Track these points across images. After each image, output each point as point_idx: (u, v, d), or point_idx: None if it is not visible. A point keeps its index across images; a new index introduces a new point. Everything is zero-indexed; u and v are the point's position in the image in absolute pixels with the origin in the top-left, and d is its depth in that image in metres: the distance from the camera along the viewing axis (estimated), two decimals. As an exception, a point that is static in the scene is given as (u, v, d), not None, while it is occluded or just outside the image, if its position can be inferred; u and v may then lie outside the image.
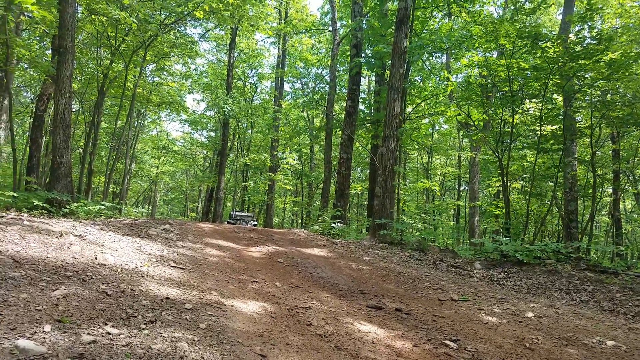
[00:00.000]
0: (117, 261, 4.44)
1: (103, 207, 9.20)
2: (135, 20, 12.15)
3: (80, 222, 6.51)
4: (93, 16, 13.18)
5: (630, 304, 6.03)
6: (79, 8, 13.23)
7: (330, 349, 3.16)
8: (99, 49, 16.73)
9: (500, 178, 12.92)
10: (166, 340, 2.70)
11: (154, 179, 34.64)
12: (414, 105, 18.97)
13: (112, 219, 7.97)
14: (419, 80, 18.31)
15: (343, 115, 18.58)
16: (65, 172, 9.48)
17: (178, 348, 2.61)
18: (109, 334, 2.62)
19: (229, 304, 3.82)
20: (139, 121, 26.16)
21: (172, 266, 4.81)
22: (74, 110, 17.76)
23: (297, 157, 30.31)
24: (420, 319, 4.33)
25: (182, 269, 4.81)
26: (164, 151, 33.25)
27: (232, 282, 4.72)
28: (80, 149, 20.97)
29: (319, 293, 4.92)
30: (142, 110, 24.78)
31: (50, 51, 15.02)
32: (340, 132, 18.46)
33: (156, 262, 4.86)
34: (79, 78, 17.93)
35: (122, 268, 4.24)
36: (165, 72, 21.12)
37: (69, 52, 9.69)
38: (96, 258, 4.33)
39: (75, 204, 8.70)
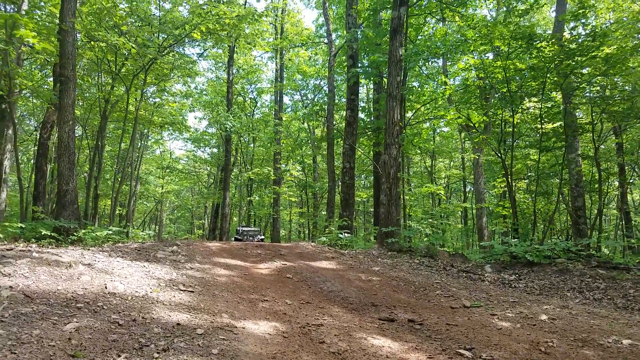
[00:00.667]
0: (126, 289, 4.46)
1: (110, 232, 9.24)
2: (134, 45, 12.31)
3: (89, 249, 6.55)
4: (92, 43, 13.35)
5: (645, 300, 5.97)
6: (78, 36, 13.43)
7: (344, 366, 3.15)
8: (99, 75, 16.93)
9: (504, 178, 12.89)
10: (180, 368, 2.71)
11: (160, 198, 34.76)
12: (414, 111, 19.01)
13: (119, 244, 8.00)
14: (417, 86, 18.36)
15: (343, 125, 18.65)
16: (71, 199, 9.55)
17: (192, 376, 2.61)
18: (123, 365, 2.63)
19: (240, 325, 3.82)
20: (142, 142, 26.36)
21: (181, 290, 4.82)
22: (77, 135, 17.93)
23: (301, 169, 30.37)
24: (434, 328, 4.30)
25: (192, 292, 4.82)
26: (168, 170, 33.41)
27: (242, 303, 4.72)
28: (85, 174, 21.12)
29: (330, 308, 4.91)
30: (145, 132, 24.98)
31: (51, 79, 15.22)
32: (341, 141, 18.51)
33: (165, 286, 4.87)
34: (81, 104, 18.13)
35: (132, 296, 4.26)
36: (166, 93, 21.31)
37: (71, 80, 9.82)
38: (106, 287, 4.35)
39: (83, 231, 8.75)
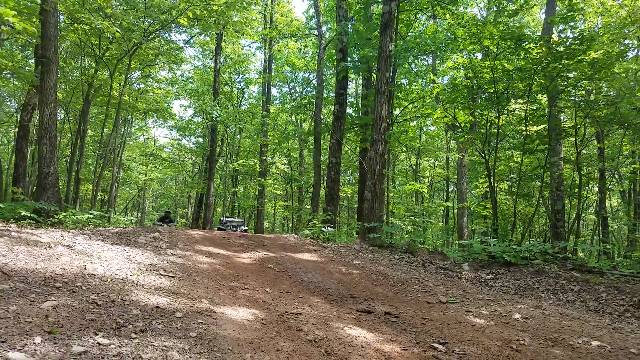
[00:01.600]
0: (106, 271, 4.43)
1: (91, 216, 9.14)
2: (118, 29, 12.10)
3: (69, 231, 6.47)
4: (76, 25, 13.09)
5: (615, 303, 6.14)
6: (61, 17, 13.14)
7: (320, 354, 3.20)
8: (83, 58, 16.61)
9: (487, 179, 13.08)
10: (157, 350, 2.72)
11: (142, 185, 34.38)
12: (401, 108, 19.11)
13: (100, 228, 7.92)
14: (406, 83, 18.45)
15: (331, 120, 18.65)
16: (52, 181, 9.40)
17: (169, 357, 2.63)
18: (100, 344, 2.63)
19: (220, 311, 3.83)
20: (126, 128, 25.99)
21: (162, 275, 4.81)
22: (59, 119, 17.63)
23: (287, 162, 30.31)
24: (409, 322, 4.37)
25: (172, 277, 4.81)
26: (151, 158, 33.02)
27: (222, 289, 4.73)
28: (67, 158, 20.78)
29: (309, 298, 4.95)
30: (129, 118, 24.62)
31: (33, 60, 14.89)
32: (329, 136, 18.53)
33: (146, 270, 4.85)
34: (63, 87, 17.79)
35: (111, 278, 4.24)
36: (150, 79, 21.01)
37: (53, 62, 9.64)
38: (85, 268, 4.32)
39: (64, 214, 8.63)
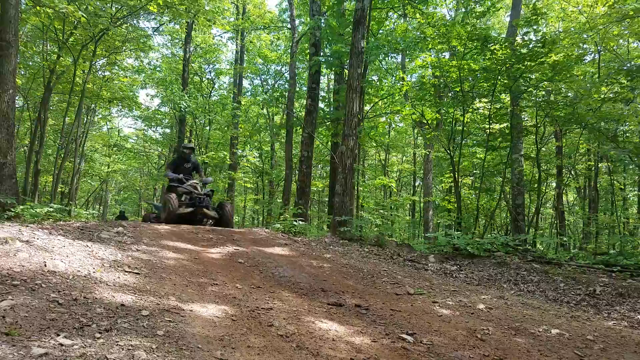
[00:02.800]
0: (68, 268, 4.28)
1: (51, 209, 8.79)
2: (84, 14, 11.63)
3: (27, 226, 6.21)
4: (38, 8, 12.50)
5: (572, 293, 6.46)
6: (22, -1, 12.54)
7: (292, 349, 3.20)
8: (45, 43, 15.90)
9: (452, 174, 13.40)
10: (122, 349, 2.65)
11: (105, 177, 33.35)
12: (372, 104, 19.27)
13: (61, 222, 7.64)
14: (376, 80, 18.60)
15: (303, 114, 18.60)
16: (9, 172, 8.99)
17: (135, 356, 2.57)
18: (62, 345, 2.55)
19: (188, 308, 3.78)
20: (89, 118, 25.10)
21: (126, 271, 4.68)
22: (18, 106, 16.83)
23: (258, 155, 30.05)
24: (379, 313, 4.44)
25: (138, 273, 4.70)
26: (115, 149, 32.06)
27: (190, 286, 4.66)
28: (25, 147, 19.91)
29: (280, 293, 4.95)
30: (92, 106, 23.79)
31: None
32: (300, 129, 18.48)
33: (110, 267, 4.72)
34: (23, 73, 16.99)
35: (73, 275, 4.10)
36: (116, 67, 20.35)
37: (12, 46, 9.17)
38: (45, 265, 4.16)
39: (21, 207, 8.28)
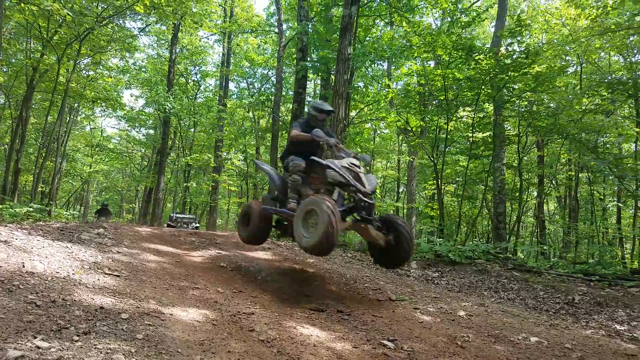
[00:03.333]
0: (47, 269, 4.21)
1: (31, 209, 8.63)
2: (69, 12, 11.47)
3: (6, 226, 6.09)
4: (22, 5, 12.30)
5: (552, 301, 6.54)
6: (6, -4, 12.29)
7: (273, 354, 3.20)
8: (28, 40, 15.63)
9: (435, 181, 13.55)
10: (101, 353, 2.62)
11: (87, 178, 32.83)
12: (357, 110, 19.39)
13: (41, 222, 7.50)
14: (362, 86, 18.73)
15: (289, 118, 18.61)
16: (-13, 171, 8.80)
17: (114, 360, 2.54)
18: (39, 347, 2.50)
19: (168, 312, 3.74)
20: (72, 117, 24.72)
21: (106, 273, 4.62)
22: (-1, 104, 16.51)
23: (243, 158, 29.92)
24: (361, 319, 4.46)
25: (118, 276, 4.64)
26: (97, 149, 31.60)
27: (171, 289, 4.62)
28: (6, 146, 19.50)
29: (262, 297, 4.94)
30: (75, 106, 23.44)
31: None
32: (286, 133, 18.48)
33: (89, 269, 4.65)
34: (5, 70, 16.68)
35: (52, 276, 4.03)
36: (101, 67, 20.12)
37: (-6, 42, 9.01)
38: (24, 266, 4.08)
39: (0, 206, 8.11)
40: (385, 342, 3.79)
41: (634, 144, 17.62)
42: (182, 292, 4.59)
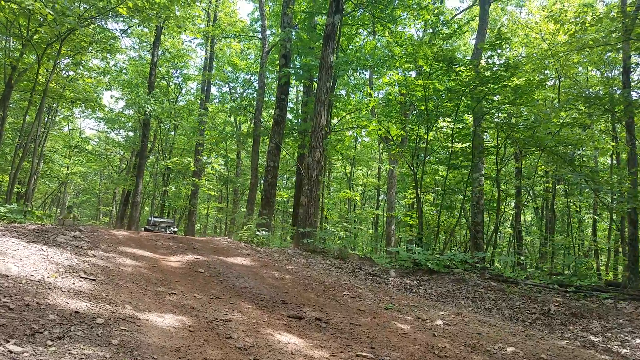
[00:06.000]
0: (21, 271, 4.13)
1: (6, 210, 8.41)
2: (51, 12, 11.28)
3: (-23, 228, 5.94)
4: (2, 3, 12.04)
5: (528, 311, 6.65)
6: (-15, -7, 12.03)
7: (249, 361, 3.20)
8: (8, 39, 15.29)
9: (414, 190, 13.71)
10: (75, 358, 2.59)
11: (64, 179, 32.11)
12: (339, 118, 19.54)
13: (15, 224, 7.33)
14: (344, 94, 18.89)
15: (271, 123, 18.63)
16: (-41, 171, 8.56)
17: (89, 366, 2.51)
18: (11, 352, 2.46)
19: (144, 317, 3.71)
20: (50, 117, 24.21)
21: (82, 277, 4.55)
22: (-27, 102, 16.02)
23: (223, 163, 29.74)
24: (339, 327, 4.48)
25: (94, 280, 4.58)
26: (75, 150, 30.98)
27: (147, 295, 4.57)
28: (-21, 146, 18.97)
29: (240, 304, 4.92)
30: (54, 106, 22.98)
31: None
32: (268, 139, 18.49)
33: (65, 272, 4.57)
34: (-17, 68, 16.25)
35: (26, 279, 3.95)
36: (81, 67, 19.78)
37: (-30, 39, 8.80)
38: (-4, 269, 4.00)
39: (-29, 207, 7.88)
40: (364, 350, 3.82)
41: (609, 158, 18.14)
42: (159, 298, 4.55)
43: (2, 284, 3.66)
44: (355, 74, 18.27)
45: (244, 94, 27.53)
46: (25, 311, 3.18)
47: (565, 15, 11.79)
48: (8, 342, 2.59)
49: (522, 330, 5.50)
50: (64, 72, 19.46)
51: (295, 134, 20.04)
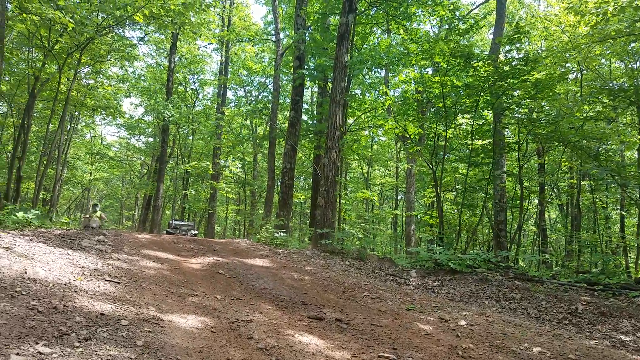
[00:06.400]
0: (48, 275, 4.22)
1: (32, 216, 8.63)
2: (71, 20, 11.55)
3: (8, 232, 6.10)
4: (24, 15, 12.38)
5: (554, 311, 6.47)
6: (8, 5, 12.41)
7: (271, 361, 3.20)
8: (30, 50, 15.73)
9: (434, 189, 13.55)
10: (101, 359, 2.63)
11: (87, 185, 32.84)
12: (355, 118, 19.47)
13: (42, 229, 7.51)
14: (359, 94, 18.82)
15: (286, 125, 18.69)
16: (-13, 179, 8.82)
17: (114, 367, 2.55)
18: (41, 353, 2.51)
19: (167, 319, 3.75)
20: (72, 125, 24.80)
21: (107, 280, 4.63)
22: (1, 112, 16.58)
23: (240, 166, 29.96)
24: (360, 328, 4.45)
25: (118, 283, 4.65)
26: (98, 156, 31.65)
27: (170, 296, 4.63)
28: (8, 154, 19.55)
29: (260, 305, 4.94)
30: (76, 114, 23.53)
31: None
32: (283, 141, 18.55)
33: (90, 275, 4.66)
34: (7, 79, 16.78)
35: (53, 283, 4.04)
36: (101, 75, 20.22)
37: (-4, 51, 9.08)
38: (26, 272, 4.09)
39: (3, 213, 8.12)
40: (385, 351, 3.77)
41: (636, 152, 17.64)
42: (181, 299, 4.59)
43: (30, 287, 3.75)
44: (370, 72, 18.18)
45: (259, 97, 27.70)
46: (53, 313, 3.25)
47: (586, 7, 11.50)
48: (37, 343, 2.65)
49: (548, 330, 5.37)
50: (84, 80, 19.91)
51: (310, 135, 20.06)
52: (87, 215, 14.58)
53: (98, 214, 13.71)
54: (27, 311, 3.17)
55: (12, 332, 2.74)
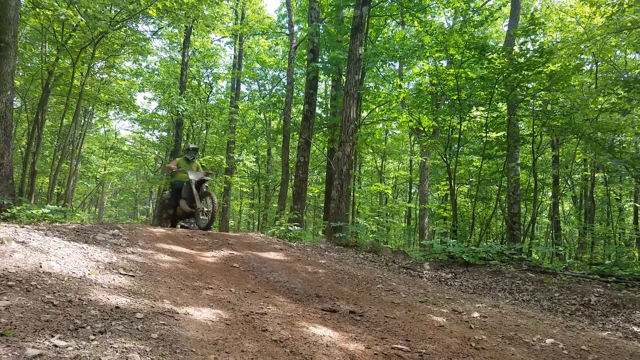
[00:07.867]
0: (63, 269, 4.28)
1: (47, 210, 8.77)
2: (83, 18, 11.66)
3: (23, 227, 6.19)
4: (37, 10, 12.52)
5: (567, 302, 6.46)
6: (22, 1, 12.57)
7: (285, 354, 3.21)
8: (43, 45, 15.92)
9: (448, 182, 13.44)
10: (117, 352, 2.65)
11: (102, 179, 33.31)
12: (369, 111, 19.37)
13: (57, 224, 7.62)
14: (373, 87, 18.70)
15: (300, 119, 18.67)
16: (5, 173, 8.97)
17: (129, 359, 2.57)
18: (56, 346, 2.54)
19: (182, 311, 3.77)
20: (86, 119, 25.11)
21: (121, 274, 4.68)
22: (15, 107, 16.80)
23: (254, 159, 30.07)
24: (373, 320, 4.44)
25: (133, 276, 4.69)
26: (112, 151, 32.05)
27: (185, 289, 4.66)
28: (22, 149, 19.89)
29: (275, 298, 4.95)
30: (90, 109, 23.81)
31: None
32: (297, 135, 18.53)
33: (105, 269, 4.71)
34: (21, 74, 17.03)
35: (68, 276, 4.09)
36: (114, 70, 20.40)
37: (11, 47, 9.19)
38: (41, 266, 4.15)
39: (17, 208, 8.25)
40: (399, 343, 3.76)
41: (651, 144, 17.31)
42: (196, 292, 4.62)
43: (45, 281, 3.80)
44: (384, 65, 18.05)
45: (273, 91, 27.69)
46: (69, 307, 3.29)
47: (601, -3, 11.27)
48: (53, 336, 2.68)
49: (561, 321, 5.33)
50: (98, 75, 20.11)
51: (324, 129, 20.02)
52: (173, 166, 10.10)
53: (197, 163, 10.35)
54: (42, 305, 3.21)
55: (27, 326, 2.78)
